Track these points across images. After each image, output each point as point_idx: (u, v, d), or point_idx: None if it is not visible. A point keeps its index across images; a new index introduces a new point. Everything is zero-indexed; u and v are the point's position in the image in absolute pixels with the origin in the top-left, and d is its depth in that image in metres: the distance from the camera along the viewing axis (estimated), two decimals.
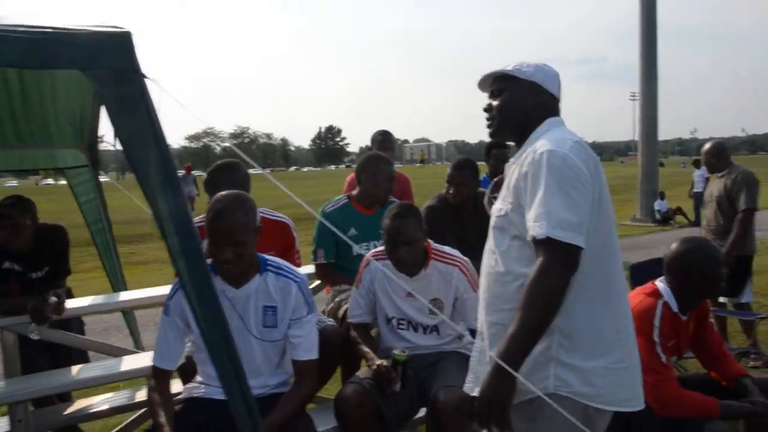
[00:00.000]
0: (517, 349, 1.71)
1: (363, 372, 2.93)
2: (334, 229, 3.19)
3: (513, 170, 1.91)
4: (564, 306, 1.77)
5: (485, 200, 3.68)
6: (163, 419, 2.32)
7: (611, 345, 1.83)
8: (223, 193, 2.44)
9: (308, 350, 2.55)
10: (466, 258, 3.03)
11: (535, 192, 1.77)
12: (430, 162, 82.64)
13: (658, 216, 16.98)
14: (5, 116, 3.57)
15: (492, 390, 1.73)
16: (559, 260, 1.71)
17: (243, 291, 2.48)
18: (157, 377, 2.47)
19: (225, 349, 1.68)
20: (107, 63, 1.67)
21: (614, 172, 44.10)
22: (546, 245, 1.72)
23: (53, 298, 3.22)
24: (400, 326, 3.03)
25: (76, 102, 3.64)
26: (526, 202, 1.81)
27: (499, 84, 2.01)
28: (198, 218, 2.71)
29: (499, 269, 1.91)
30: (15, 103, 3.39)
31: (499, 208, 1.95)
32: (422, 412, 3.10)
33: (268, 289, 2.50)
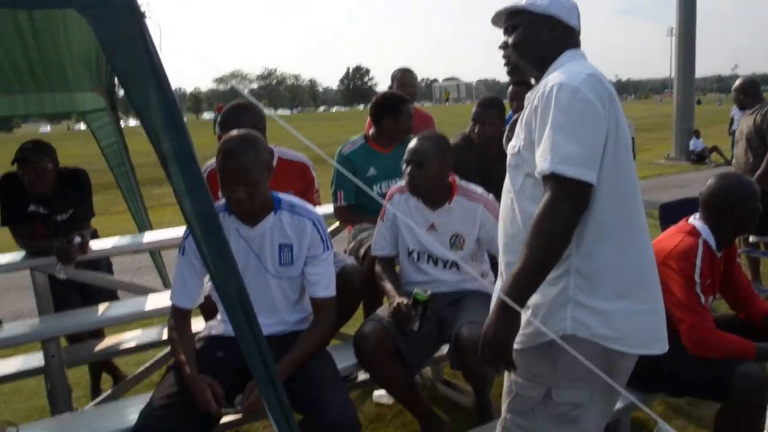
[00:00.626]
0: (521, 287, 1.67)
1: (383, 310, 2.97)
2: (349, 175, 3.18)
3: (526, 105, 1.85)
4: (580, 245, 1.74)
5: (504, 138, 3.62)
6: (183, 357, 2.38)
7: (632, 286, 1.78)
8: (233, 133, 2.43)
9: (326, 288, 2.57)
10: (492, 195, 3.02)
11: (544, 126, 1.71)
12: (460, 101, 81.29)
13: (692, 155, 16.58)
14: (21, 61, 3.57)
15: (494, 330, 1.71)
16: (564, 196, 1.65)
17: (258, 230, 2.49)
18: (177, 316, 2.52)
19: (234, 289, 1.69)
20: (104, 1, 1.64)
21: (651, 110, 42.97)
22: (552, 181, 1.67)
23: (77, 239, 3.30)
24: (421, 260, 3.04)
25: (90, 44, 3.62)
26: (536, 138, 1.75)
27: (512, 20, 1.91)
28: (210, 161, 2.71)
29: (514, 209, 1.87)
30: (29, 47, 3.37)
31: (513, 145, 1.89)
32: (444, 349, 3.16)
33: (283, 227, 2.51)
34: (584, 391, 1.79)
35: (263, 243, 2.50)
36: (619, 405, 2.70)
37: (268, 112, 2.56)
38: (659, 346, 1.85)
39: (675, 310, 2.54)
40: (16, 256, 3.57)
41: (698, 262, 2.58)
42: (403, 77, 4.90)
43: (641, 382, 2.72)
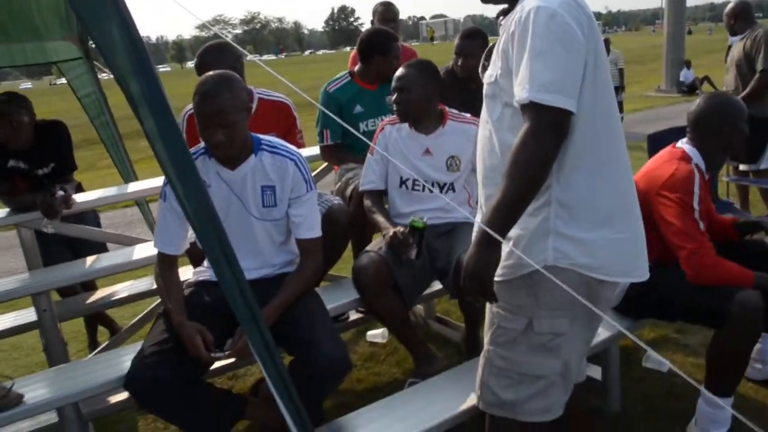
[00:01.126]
0: (501, 219, 1.64)
1: (376, 242, 2.97)
2: (332, 116, 3.13)
3: (502, 32, 1.77)
4: (560, 175, 1.71)
5: (480, 68, 3.56)
6: (171, 304, 2.37)
7: (612, 216, 1.75)
8: (209, 74, 2.36)
9: (310, 228, 2.55)
10: None
11: (522, 53, 1.64)
12: (447, 39, 79.91)
13: (683, 86, 16.43)
14: None
15: (474, 262, 1.69)
16: (544, 125, 1.60)
17: (239, 172, 2.45)
18: (162, 263, 2.50)
19: (213, 232, 1.67)
20: None
21: (642, 42, 42.37)
22: (531, 110, 1.61)
23: (60, 192, 3.25)
24: (416, 188, 3.05)
25: None
26: (513, 65, 1.68)
27: None
28: (189, 105, 2.65)
29: (492, 140, 1.82)
30: None
31: (489, 74, 1.82)
32: (435, 286, 3.17)
33: (264, 168, 2.47)
34: (564, 320, 1.79)
35: (245, 185, 2.46)
36: (607, 334, 2.75)
37: (251, 57, 2.49)
38: (639, 273, 1.84)
39: (674, 238, 2.54)
40: (0, 213, 3.54)
41: (696, 189, 2.56)
42: (385, 11, 4.75)
43: (632, 307, 2.76)
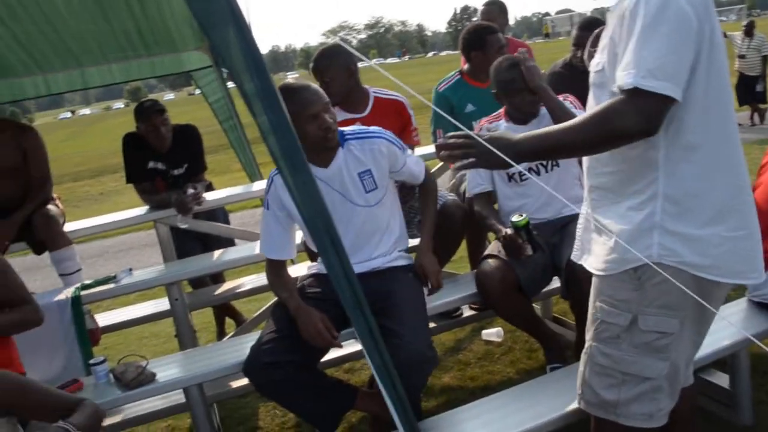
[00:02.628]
0: (536, 147, 1.65)
1: (495, 246, 2.96)
2: (444, 114, 3.14)
3: (611, 19, 1.68)
4: (670, 169, 1.61)
5: (585, 55, 3.42)
6: (285, 294, 2.49)
7: (725, 212, 1.63)
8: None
9: (420, 171, 2.78)
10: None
11: (630, 38, 1.55)
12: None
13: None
14: (131, 27, 3.78)
15: (501, 142, 1.67)
16: (641, 108, 1.50)
17: (332, 167, 2.54)
18: (272, 266, 2.61)
19: (321, 221, 1.74)
20: None
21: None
22: (633, 95, 1.51)
23: (191, 190, 3.51)
24: (523, 177, 3.01)
25: None
26: (620, 51, 1.59)
27: None
28: None
29: None
30: (136, 13, 3.57)
31: (596, 62, 1.74)
32: (554, 283, 3.11)
33: (355, 156, 2.55)
34: (674, 321, 1.68)
35: (343, 178, 2.54)
36: (734, 338, 2.53)
37: (368, 62, 2.60)
38: (755, 275, 1.70)
39: None
40: (140, 210, 3.87)
41: None
42: (486, 11, 4.61)
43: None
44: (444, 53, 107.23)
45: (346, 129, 2.61)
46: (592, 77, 1.78)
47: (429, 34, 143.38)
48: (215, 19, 1.68)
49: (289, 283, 2.58)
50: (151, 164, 3.87)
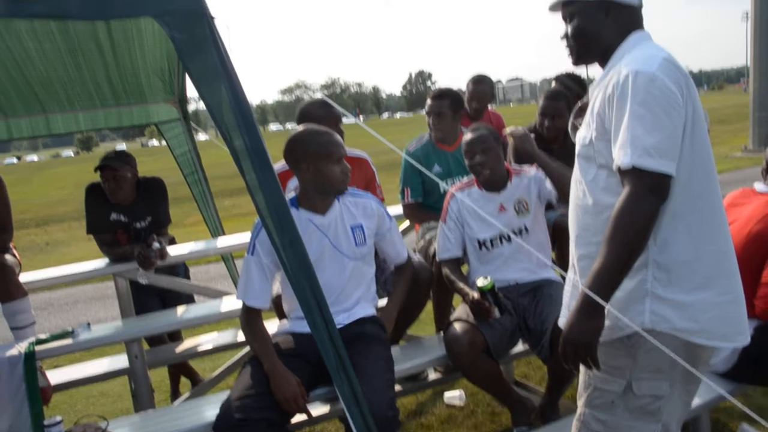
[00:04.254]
0: (602, 285, 1.62)
1: (462, 309, 2.98)
2: (418, 166, 3.22)
3: (597, 94, 1.78)
4: (658, 237, 1.68)
5: (569, 127, 3.55)
6: (261, 350, 2.44)
7: (713, 277, 1.71)
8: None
9: (401, 252, 2.89)
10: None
11: (621, 117, 1.64)
12: (524, 101, 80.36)
13: None
14: (101, 77, 3.77)
15: (578, 330, 1.66)
16: (646, 189, 1.60)
17: (329, 216, 2.60)
18: (248, 314, 2.56)
19: (306, 278, 1.73)
20: (176, 7, 1.72)
21: (726, 101, 41.19)
22: (632, 174, 1.61)
23: (156, 244, 3.43)
24: (494, 245, 3.08)
25: (162, 57, 3.79)
26: (611, 128, 1.68)
27: (568, 8, 1.85)
28: (279, 164, 2.78)
29: (586, 200, 1.81)
30: (108, 62, 3.56)
31: (583, 135, 1.82)
32: (517, 347, 3.13)
33: (350, 210, 2.65)
34: (665, 383, 1.73)
35: (337, 228, 2.60)
36: (697, 401, 2.59)
37: (353, 119, 2.71)
38: (741, 338, 1.77)
39: None
40: (100, 263, 3.75)
41: None
42: (481, 91, 4.66)
43: (742, 372, 2.61)
44: (398, 115, 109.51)
45: None
46: (578, 149, 1.85)
47: (384, 96, 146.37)
48: (208, 75, 1.70)
49: (264, 335, 2.52)
50: (113, 216, 3.77)
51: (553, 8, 1.92)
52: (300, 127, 2.67)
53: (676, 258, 1.69)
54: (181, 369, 4.23)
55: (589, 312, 1.64)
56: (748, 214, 2.69)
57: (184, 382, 4.33)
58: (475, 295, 2.82)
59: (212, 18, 1.76)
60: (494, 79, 4.93)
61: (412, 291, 2.98)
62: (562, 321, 1.96)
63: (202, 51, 1.69)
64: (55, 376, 3.71)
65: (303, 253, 1.71)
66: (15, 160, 77.65)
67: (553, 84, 4.61)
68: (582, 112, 1.91)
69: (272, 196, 1.69)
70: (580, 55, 1.89)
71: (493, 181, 3.07)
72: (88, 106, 4.12)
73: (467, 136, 3.07)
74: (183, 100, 4.55)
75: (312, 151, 2.50)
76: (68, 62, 3.44)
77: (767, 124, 16.14)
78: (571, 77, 4.46)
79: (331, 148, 2.52)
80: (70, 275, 3.66)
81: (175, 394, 4.24)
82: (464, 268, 3.24)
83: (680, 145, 1.64)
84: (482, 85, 4.65)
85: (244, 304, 2.57)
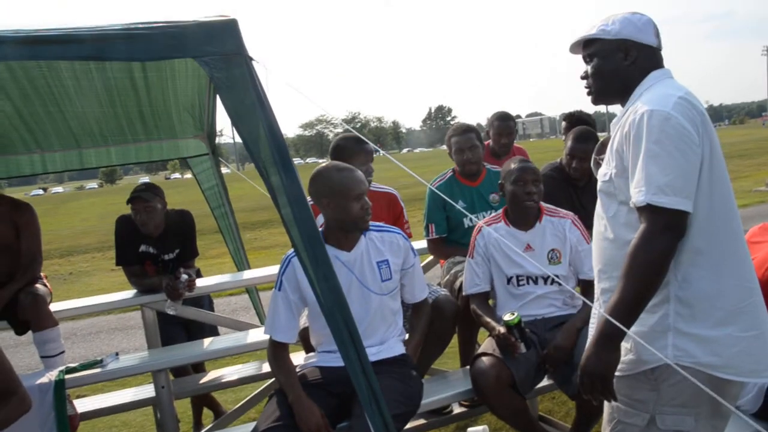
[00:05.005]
0: (619, 320, 1.64)
1: (489, 343, 2.98)
2: (444, 197, 3.26)
3: (616, 132, 1.82)
4: (679, 273, 1.70)
5: (591, 163, 3.57)
6: (286, 381, 2.46)
7: (737, 312, 1.72)
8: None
9: (422, 290, 2.86)
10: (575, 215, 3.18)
11: (637, 155, 1.69)
12: (544, 136, 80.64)
13: None
14: (134, 113, 3.88)
15: (594, 362, 1.69)
16: (661, 226, 1.63)
17: (354, 252, 2.61)
18: (275, 348, 2.60)
19: (339, 311, 1.76)
20: (217, 49, 1.80)
21: (748, 135, 40.90)
22: (648, 211, 1.65)
23: (184, 276, 3.49)
24: (520, 283, 3.08)
25: (194, 93, 3.89)
26: (629, 166, 1.73)
27: (588, 49, 1.92)
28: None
29: (608, 235, 1.85)
30: (142, 99, 3.67)
31: (603, 172, 1.87)
32: (544, 381, 3.11)
33: (376, 245, 2.65)
34: (689, 418, 1.73)
35: (363, 264, 2.61)
36: None
37: (381, 151, 2.77)
38: None
39: None
40: (128, 293, 3.81)
41: None
42: (506, 126, 4.63)
43: (762, 411, 2.57)
44: (417, 150, 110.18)
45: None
46: (600, 185, 1.89)
47: (404, 131, 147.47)
48: (247, 113, 1.77)
49: (290, 368, 2.55)
50: (142, 248, 3.85)
51: (573, 50, 1.98)
52: (323, 162, 2.73)
53: (697, 293, 1.71)
54: (205, 400, 4.24)
55: (605, 345, 1.68)
56: (762, 256, 2.68)
57: (206, 413, 4.34)
58: (502, 329, 2.82)
59: (250, 59, 1.84)
60: (513, 113, 4.95)
61: (438, 324, 2.99)
62: None
63: (241, 90, 1.76)
64: (81, 405, 3.76)
65: (337, 287, 1.75)
66: (41, 192, 79.06)
67: (563, 123, 4.65)
68: (603, 148, 1.95)
69: (307, 230, 1.73)
70: (599, 95, 1.94)
71: (526, 218, 3.09)
72: (120, 141, 4.24)
73: (516, 164, 3.10)
74: (212, 135, 4.66)
75: (332, 187, 2.52)
76: (103, 99, 3.55)
77: None
78: (579, 116, 4.51)
79: (351, 185, 2.52)
80: (99, 305, 3.74)
81: (197, 425, 4.25)
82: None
83: (696, 182, 1.67)
84: (510, 121, 4.68)
85: (271, 338, 2.61)
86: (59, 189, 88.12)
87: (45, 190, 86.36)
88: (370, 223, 2.68)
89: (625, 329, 1.62)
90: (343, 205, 2.51)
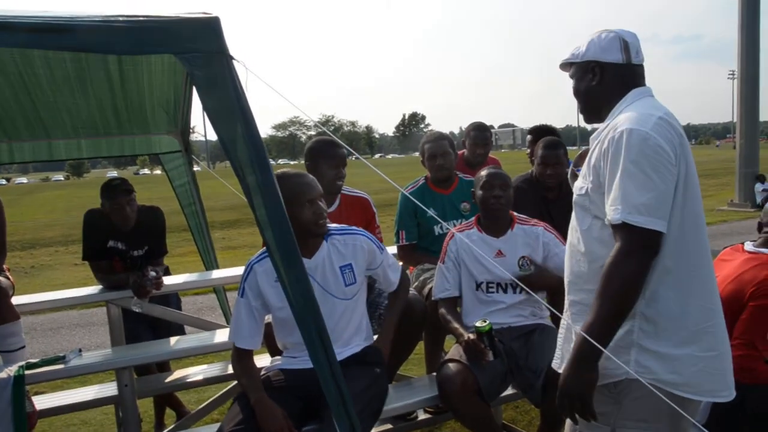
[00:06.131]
0: (595, 338, 1.67)
1: (456, 350, 3.00)
2: (417, 202, 3.28)
3: (595, 147, 1.85)
4: (647, 290, 1.73)
5: (569, 174, 3.62)
6: (249, 384, 2.45)
7: (699, 332, 1.75)
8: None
9: (395, 271, 2.84)
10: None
11: (614, 173, 1.71)
12: (515, 147, 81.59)
13: (758, 200, 16.04)
14: (107, 105, 3.83)
15: (573, 382, 1.71)
16: (636, 246, 1.66)
17: (316, 259, 2.58)
18: (239, 354, 2.58)
19: (310, 314, 1.76)
20: (198, 46, 1.78)
21: (712, 155, 41.86)
22: (623, 230, 1.67)
23: (152, 273, 3.45)
24: (489, 289, 3.11)
25: (170, 89, 3.86)
26: (605, 182, 1.75)
27: (569, 71, 2.00)
28: None
29: (580, 248, 1.88)
30: (116, 92, 3.63)
31: (580, 186, 1.90)
32: (509, 390, 3.14)
33: (338, 250, 2.62)
34: None
35: (325, 270, 2.59)
36: None
37: (359, 158, 2.75)
38: (726, 393, 1.80)
39: None
40: (93, 289, 3.75)
41: None
42: (478, 136, 4.65)
43: (722, 423, 2.63)
44: (390, 156, 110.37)
45: (330, 225, 2.68)
46: (575, 198, 1.92)
47: (377, 136, 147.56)
48: (224, 112, 1.76)
49: (253, 371, 2.54)
50: (111, 243, 3.79)
51: (562, 68, 2.03)
52: (294, 164, 2.72)
53: (663, 312, 1.74)
54: (168, 400, 4.19)
55: (582, 364, 1.69)
56: (726, 272, 2.75)
57: (169, 413, 4.28)
58: (471, 336, 2.84)
59: (231, 58, 1.83)
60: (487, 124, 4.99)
61: (406, 324, 2.99)
62: (556, 363, 2.00)
63: (220, 89, 1.75)
64: (39, 402, 3.67)
65: (309, 290, 1.74)
66: (4, 182, 77.20)
67: (528, 136, 4.73)
68: (582, 160, 1.98)
69: (281, 232, 1.73)
70: (583, 113, 2.00)
71: (497, 224, 3.13)
72: (91, 134, 4.17)
73: (485, 171, 3.16)
74: (186, 132, 4.61)
75: (282, 195, 2.51)
76: (76, 89, 3.50)
77: (752, 180, 16.47)
78: (545, 128, 4.59)
79: (299, 189, 2.48)
80: (64, 299, 3.66)
81: (159, 425, 4.19)
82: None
83: (671, 202, 1.70)
84: (486, 132, 4.72)
85: (234, 344, 2.60)
86: (23, 180, 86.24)
87: (8, 180, 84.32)
88: (333, 225, 2.68)
89: (602, 348, 1.64)
90: (294, 212, 2.44)
